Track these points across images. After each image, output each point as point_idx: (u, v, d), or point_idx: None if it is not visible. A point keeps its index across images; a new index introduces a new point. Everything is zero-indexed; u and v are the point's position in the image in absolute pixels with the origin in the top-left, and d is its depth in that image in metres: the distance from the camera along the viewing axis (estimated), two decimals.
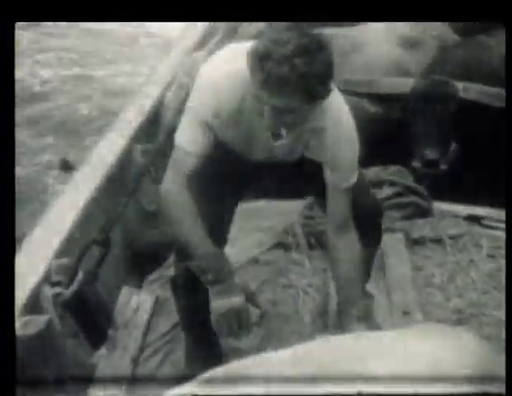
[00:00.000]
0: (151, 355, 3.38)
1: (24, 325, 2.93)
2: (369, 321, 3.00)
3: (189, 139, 2.74)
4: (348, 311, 2.88)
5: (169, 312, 3.48)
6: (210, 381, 2.52)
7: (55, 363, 3.05)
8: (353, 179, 2.84)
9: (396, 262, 3.90)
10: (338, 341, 2.73)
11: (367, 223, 3.05)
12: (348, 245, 2.88)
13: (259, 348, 3.40)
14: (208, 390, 2.41)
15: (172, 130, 2.86)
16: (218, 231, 2.97)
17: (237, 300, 2.77)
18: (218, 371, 2.59)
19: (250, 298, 2.88)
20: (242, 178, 3.10)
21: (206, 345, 3.20)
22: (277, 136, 2.64)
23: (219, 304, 2.75)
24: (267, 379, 2.44)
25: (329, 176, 2.82)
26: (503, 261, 3.91)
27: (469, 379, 2.39)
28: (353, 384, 2.39)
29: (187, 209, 2.74)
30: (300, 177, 3.24)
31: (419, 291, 3.74)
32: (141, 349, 3.39)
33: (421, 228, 4.24)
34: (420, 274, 3.93)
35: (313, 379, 2.43)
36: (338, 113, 2.78)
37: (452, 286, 3.84)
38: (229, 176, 2.99)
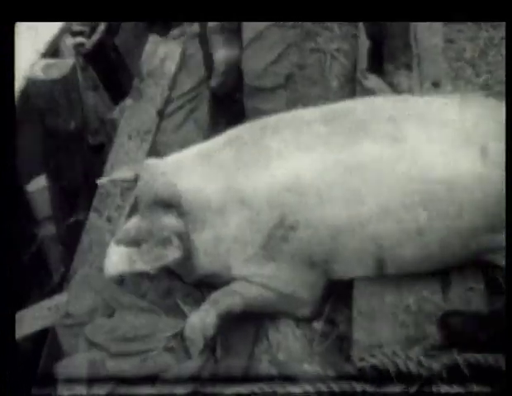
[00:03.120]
0: (175, 110, 3.33)
1: (46, 68, 2.84)
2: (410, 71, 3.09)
3: None
4: (396, 60, 2.99)
5: (195, 68, 3.38)
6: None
7: (79, 115, 3.00)
8: None
9: (428, 33, 3.73)
10: (370, 101, 2.69)
11: None
12: None
13: (284, 111, 3.35)
14: None
15: None
16: None
17: None
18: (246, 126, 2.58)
19: None
20: None
21: (230, 103, 3.14)
22: None
23: None
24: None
25: None
26: None
27: None
28: (385, 143, 2.38)
29: None
30: None
31: (449, 64, 3.62)
32: (167, 102, 3.33)
33: None
34: (452, 47, 3.78)
35: (346, 138, 2.41)
36: None
37: (482, 62, 3.72)
38: None
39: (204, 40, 3.04)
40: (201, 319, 2.34)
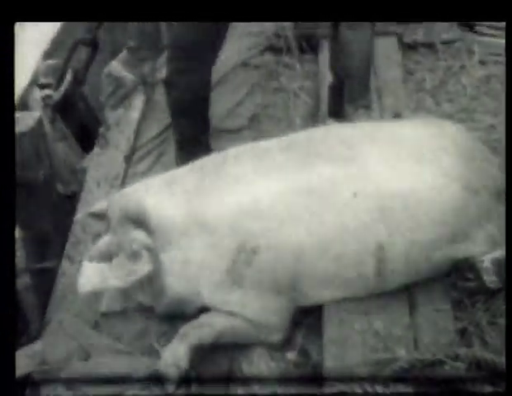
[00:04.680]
0: (143, 156, 3.39)
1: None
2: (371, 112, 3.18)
3: None
4: (355, 102, 3.06)
5: (161, 114, 3.46)
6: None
7: (47, 165, 3.06)
8: None
9: (388, 66, 3.85)
10: (325, 129, 2.84)
11: None
12: (362, 38, 3.00)
13: None
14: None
15: None
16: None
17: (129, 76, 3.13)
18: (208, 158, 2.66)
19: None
20: None
21: (196, 146, 3.20)
22: None
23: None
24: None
25: None
26: (494, 68, 3.90)
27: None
28: (339, 164, 2.48)
29: None
30: None
31: (409, 95, 3.73)
32: (133, 149, 3.40)
33: (414, 32, 4.15)
34: (412, 78, 3.89)
35: (301, 162, 2.50)
36: None
37: (442, 92, 3.82)
38: None
39: (169, 84, 3.09)
40: (173, 353, 2.39)
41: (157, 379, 2.38)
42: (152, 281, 2.45)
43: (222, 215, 2.41)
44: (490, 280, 2.51)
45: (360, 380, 2.28)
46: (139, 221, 2.43)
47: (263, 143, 2.65)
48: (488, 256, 2.52)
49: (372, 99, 3.23)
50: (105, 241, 2.48)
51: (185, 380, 2.38)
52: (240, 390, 2.41)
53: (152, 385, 2.40)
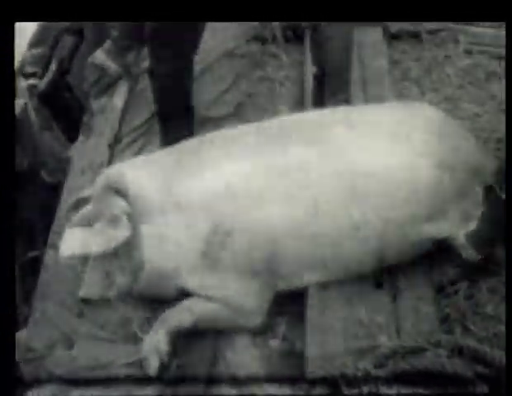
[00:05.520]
0: (128, 145, 3.39)
1: None
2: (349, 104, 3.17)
3: None
4: (335, 96, 3.07)
5: (145, 104, 3.46)
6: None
7: (32, 153, 3.07)
8: None
9: (373, 55, 3.84)
10: (300, 114, 2.84)
11: None
12: (342, 34, 3.02)
13: None
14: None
15: None
16: None
17: (113, 66, 3.12)
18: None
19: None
20: None
21: (180, 133, 3.20)
22: None
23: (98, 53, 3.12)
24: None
25: None
26: (479, 57, 3.91)
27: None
28: (311, 145, 2.51)
29: None
30: None
31: (395, 85, 3.73)
32: (117, 137, 3.41)
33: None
34: (397, 67, 3.90)
35: (273, 144, 2.54)
36: None
37: (427, 81, 3.83)
38: None
39: (152, 73, 3.09)
40: (153, 338, 2.43)
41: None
42: (130, 255, 2.47)
43: (195, 197, 2.45)
44: (467, 253, 2.57)
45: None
46: (119, 190, 2.47)
47: (239, 128, 2.70)
48: (461, 233, 2.56)
49: (351, 93, 3.22)
50: (87, 209, 2.53)
51: (166, 367, 2.41)
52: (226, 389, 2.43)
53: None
